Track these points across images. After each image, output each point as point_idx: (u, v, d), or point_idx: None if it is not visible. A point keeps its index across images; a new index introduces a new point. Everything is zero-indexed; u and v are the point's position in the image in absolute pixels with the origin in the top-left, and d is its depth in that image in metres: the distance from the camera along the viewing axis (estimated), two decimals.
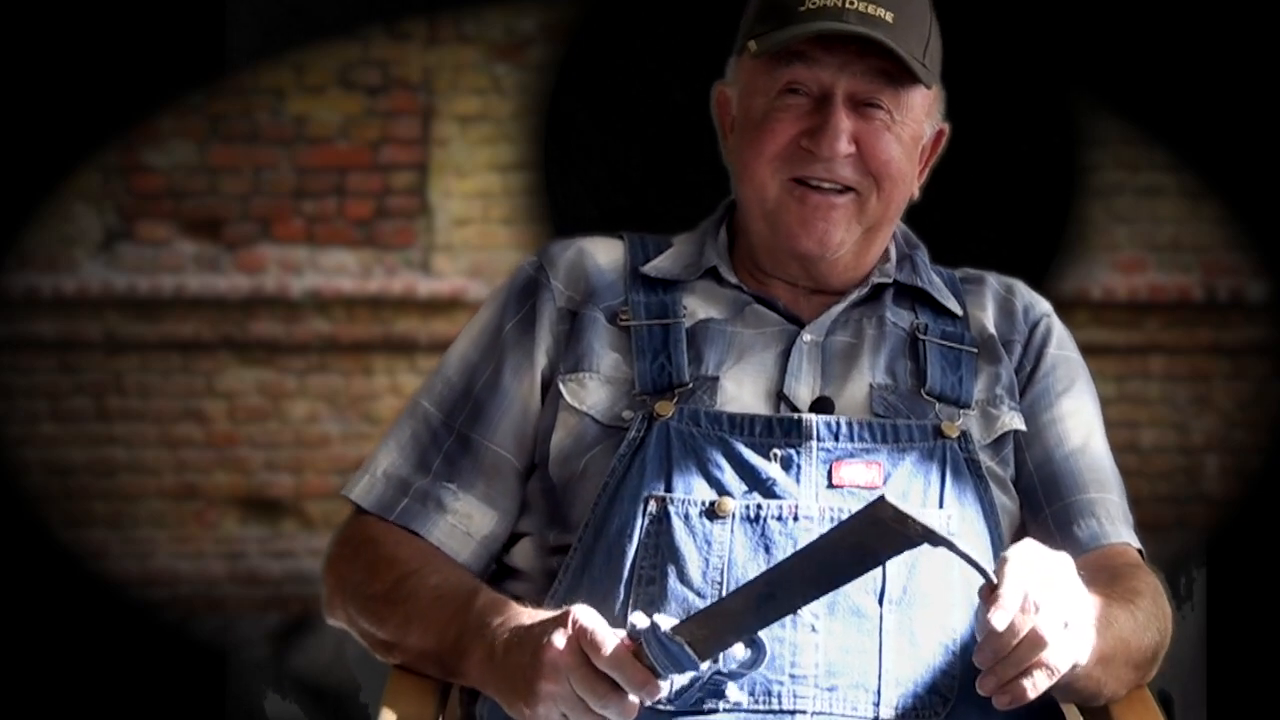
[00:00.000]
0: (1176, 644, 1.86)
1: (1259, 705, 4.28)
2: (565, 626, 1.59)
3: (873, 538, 1.53)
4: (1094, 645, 1.65)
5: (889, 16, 1.82)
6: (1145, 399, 4.88)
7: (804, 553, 1.57)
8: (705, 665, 1.59)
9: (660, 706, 1.67)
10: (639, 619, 1.56)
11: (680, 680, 1.62)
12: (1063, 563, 1.62)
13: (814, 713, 1.68)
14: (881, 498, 1.53)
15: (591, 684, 1.57)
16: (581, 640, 1.58)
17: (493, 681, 1.68)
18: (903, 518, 1.51)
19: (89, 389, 4.87)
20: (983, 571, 1.56)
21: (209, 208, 4.88)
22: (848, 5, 1.81)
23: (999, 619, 1.54)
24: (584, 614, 1.60)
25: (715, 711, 1.67)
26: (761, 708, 1.68)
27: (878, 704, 1.69)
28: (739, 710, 1.68)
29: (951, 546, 1.53)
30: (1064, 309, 2.06)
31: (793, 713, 1.68)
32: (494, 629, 1.69)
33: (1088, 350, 2.02)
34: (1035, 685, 1.57)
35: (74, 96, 4.61)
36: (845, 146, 1.83)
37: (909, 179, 1.90)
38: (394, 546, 1.84)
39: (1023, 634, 1.55)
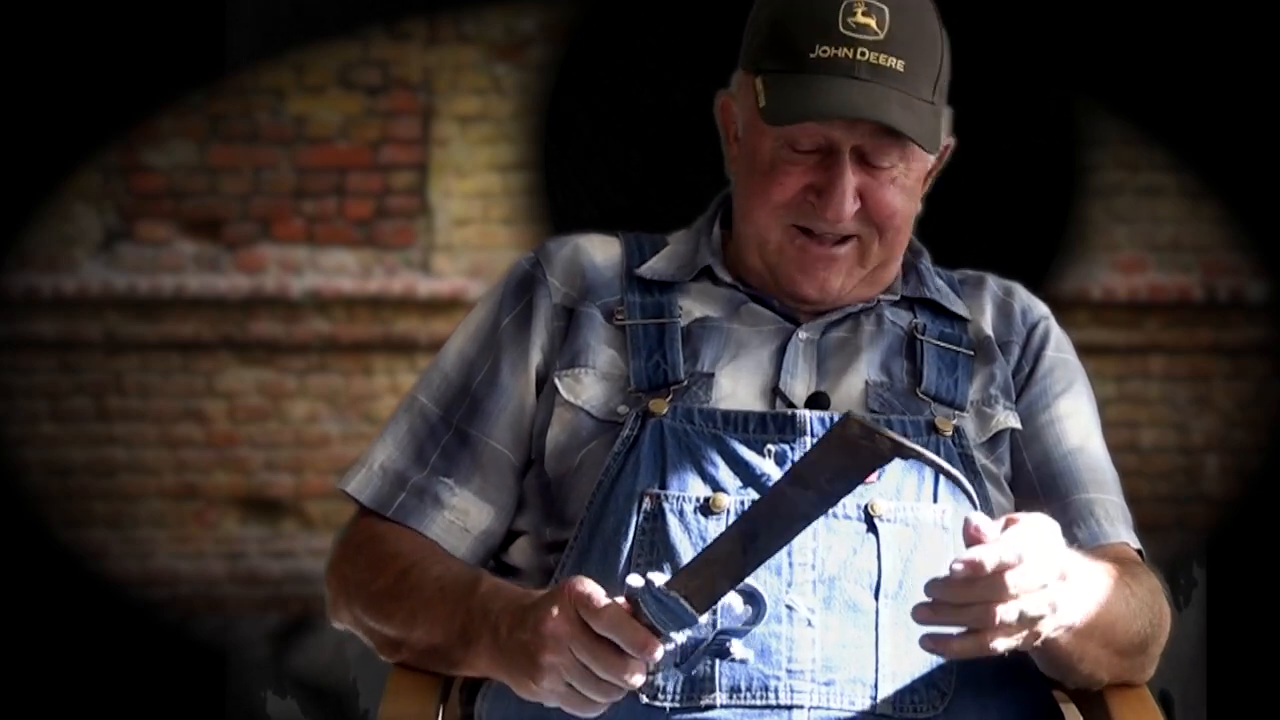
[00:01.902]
0: (1176, 644, 1.86)
1: (1259, 705, 4.28)
2: (562, 596, 1.59)
3: (845, 458, 1.52)
4: (1077, 612, 1.64)
5: (900, 65, 1.79)
6: (1145, 399, 4.88)
7: (780, 486, 1.57)
8: (704, 619, 1.59)
9: (659, 702, 1.68)
10: (633, 579, 1.56)
11: (683, 641, 1.61)
12: (1066, 556, 1.61)
13: (811, 707, 1.68)
14: (848, 414, 1.52)
15: (593, 650, 1.56)
16: (579, 606, 1.57)
17: (500, 665, 1.67)
18: (870, 433, 1.50)
19: (89, 389, 4.87)
20: (959, 483, 1.56)
21: (209, 208, 4.88)
22: (859, 56, 1.78)
23: (983, 554, 1.52)
24: (580, 581, 1.59)
25: (713, 707, 1.68)
26: (759, 703, 1.68)
27: (875, 698, 1.69)
28: (736, 706, 1.68)
29: (922, 456, 1.53)
30: (1064, 309, 2.06)
31: (790, 708, 1.68)
32: (498, 613, 1.68)
33: (1088, 350, 2.02)
34: (962, 646, 1.56)
35: (74, 96, 4.61)
36: (851, 207, 1.81)
37: (912, 218, 1.89)
38: (394, 543, 1.84)
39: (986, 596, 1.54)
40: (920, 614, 1.57)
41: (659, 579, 1.56)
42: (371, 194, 4.90)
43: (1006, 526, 1.57)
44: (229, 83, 4.82)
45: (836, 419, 1.77)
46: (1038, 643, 1.61)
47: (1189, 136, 4.69)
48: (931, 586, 1.56)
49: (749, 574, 1.58)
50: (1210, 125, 4.63)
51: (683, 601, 1.55)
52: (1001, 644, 1.57)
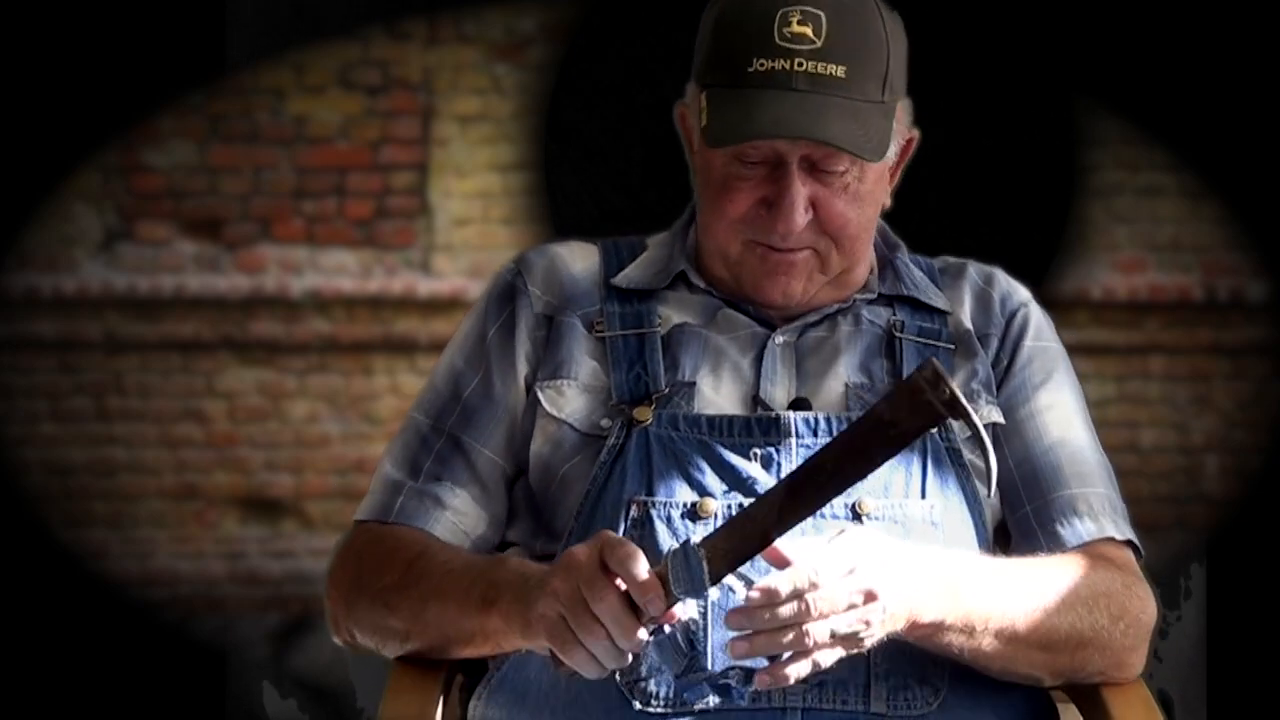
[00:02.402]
0: (1176, 644, 1.85)
1: (1259, 705, 4.28)
2: (593, 539, 1.60)
3: (902, 409, 1.51)
4: (945, 610, 1.65)
5: (841, 71, 1.77)
6: (1145, 399, 4.88)
7: (829, 445, 1.56)
8: (714, 594, 1.59)
9: (652, 708, 1.68)
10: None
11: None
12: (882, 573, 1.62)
13: (804, 709, 1.69)
14: (930, 358, 1.51)
15: (594, 579, 1.56)
16: (604, 544, 1.58)
17: (513, 615, 1.65)
18: (937, 378, 1.50)
19: (89, 389, 4.87)
20: (985, 461, 1.56)
21: (209, 208, 4.88)
22: (797, 67, 1.76)
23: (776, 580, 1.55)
24: (612, 533, 1.61)
25: (707, 711, 1.68)
26: (751, 706, 1.68)
27: (867, 699, 1.69)
28: (728, 710, 1.68)
29: (968, 418, 1.53)
30: (1064, 309, 2.05)
31: (783, 710, 1.69)
32: (529, 572, 1.67)
33: (1088, 350, 2.01)
34: (794, 669, 1.57)
35: (74, 96, 4.61)
36: (801, 219, 1.80)
37: (872, 223, 1.88)
38: (396, 540, 1.83)
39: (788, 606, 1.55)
40: (737, 649, 1.58)
41: (699, 536, 1.57)
42: (371, 194, 4.90)
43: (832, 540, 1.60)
44: (229, 83, 4.82)
45: (821, 417, 1.77)
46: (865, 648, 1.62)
47: (1189, 136, 4.68)
48: (732, 616, 1.57)
49: (776, 538, 1.57)
50: (1210, 125, 4.62)
51: (704, 563, 1.55)
52: (827, 659, 1.59)
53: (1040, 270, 4.62)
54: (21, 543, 4.66)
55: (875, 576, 1.59)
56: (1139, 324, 4.88)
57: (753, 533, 1.57)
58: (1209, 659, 4.38)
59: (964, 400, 1.53)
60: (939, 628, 1.66)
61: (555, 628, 1.59)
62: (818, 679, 1.67)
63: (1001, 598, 1.70)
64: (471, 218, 4.93)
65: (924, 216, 2.04)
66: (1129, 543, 1.86)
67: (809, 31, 1.78)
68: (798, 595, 1.55)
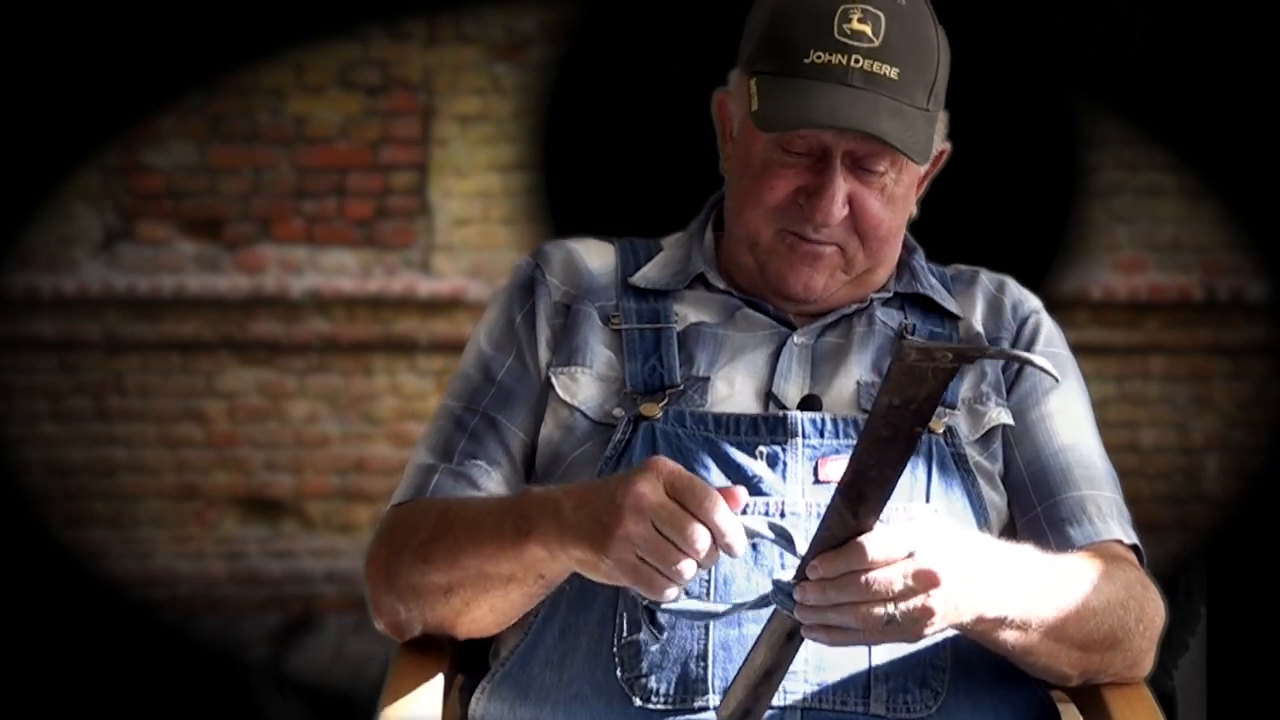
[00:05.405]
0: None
1: (1259, 705, 4.28)
2: (652, 473, 1.57)
3: (914, 387, 1.46)
4: (1008, 606, 1.64)
5: (894, 73, 1.79)
6: (1145, 399, 4.88)
7: (862, 446, 1.51)
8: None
9: (652, 704, 1.69)
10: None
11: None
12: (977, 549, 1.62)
13: (804, 708, 1.69)
14: (900, 345, 1.48)
15: (678, 519, 1.54)
16: (674, 480, 1.56)
17: (566, 543, 1.62)
18: (928, 352, 1.45)
19: (89, 389, 4.87)
20: (1040, 367, 1.53)
21: (209, 208, 4.88)
22: (853, 64, 1.78)
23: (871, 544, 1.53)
24: (672, 463, 1.58)
25: (706, 709, 1.68)
26: None
27: (867, 699, 1.70)
28: None
29: (991, 353, 1.49)
30: (1064, 309, 2.06)
31: (782, 709, 1.69)
32: (558, 497, 1.65)
33: (1088, 350, 2.02)
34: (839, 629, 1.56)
35: (74, 96, 4.61)
36: (839, 212, 1.82)
37: (901, 228, 1.90)
38: (427, 503, 1.82)
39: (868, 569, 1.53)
40: (809, 592, 1.55)
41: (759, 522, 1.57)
42: (371, 194, 4.90)
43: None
44: (229, 83, 4.82)
45: (828, 418, 1.77)
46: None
47: (1189, 136, 4.68)
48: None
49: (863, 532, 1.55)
50: (1210, 125, 4.62)
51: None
52: (880, 643, 1.60)
53: (1040, 270, 4.63)
54: (21, 543, 4.66)
55: (938, 562, 1.56)
56: (1139, 324, 4.88)
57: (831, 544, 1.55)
58: (1209, 659, 4.38)
59: (966, 348, 1.48)
60: (1001, 623, 1.65)
61: (636, 572, 1.56)
62: (819, 679, 1.68)
63: (1056, 595, 1.69)
64: (471, 218, 4.93)
65: (923, 217, 2.04)
66: (1133, 548, 1.87)
67: (868, 30, 1.80)
68: (852, 574, 1.53)
